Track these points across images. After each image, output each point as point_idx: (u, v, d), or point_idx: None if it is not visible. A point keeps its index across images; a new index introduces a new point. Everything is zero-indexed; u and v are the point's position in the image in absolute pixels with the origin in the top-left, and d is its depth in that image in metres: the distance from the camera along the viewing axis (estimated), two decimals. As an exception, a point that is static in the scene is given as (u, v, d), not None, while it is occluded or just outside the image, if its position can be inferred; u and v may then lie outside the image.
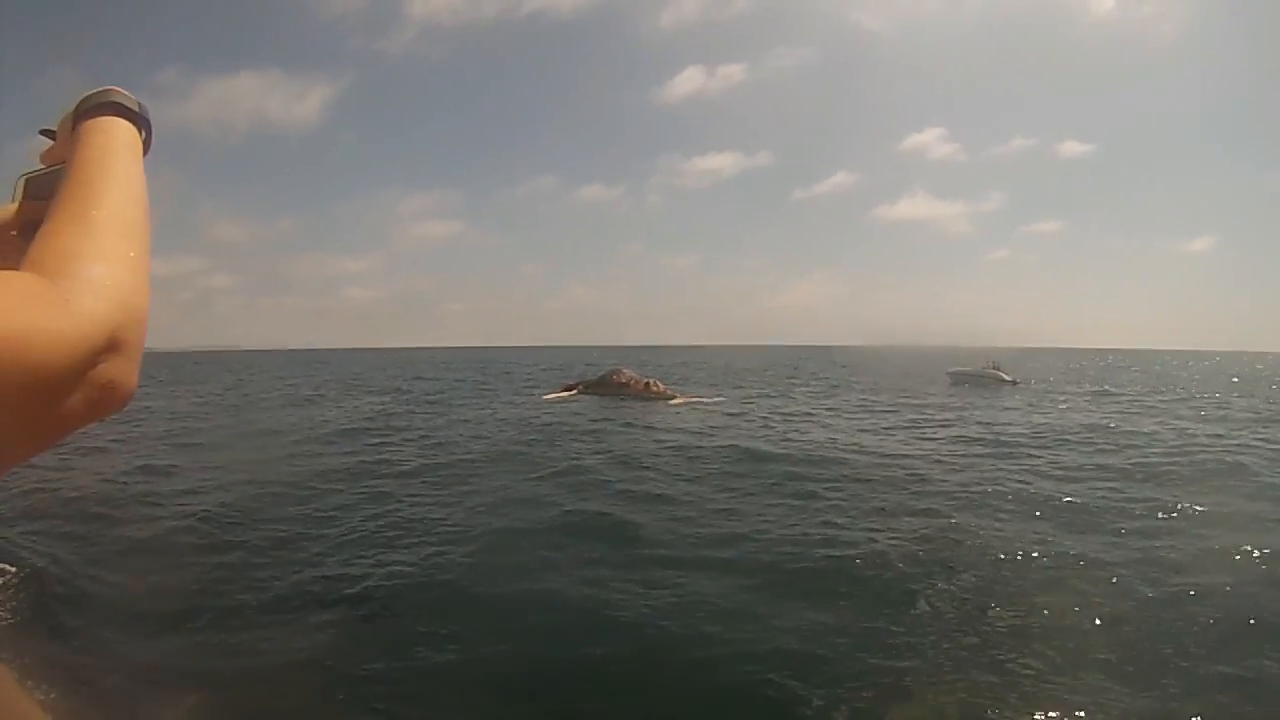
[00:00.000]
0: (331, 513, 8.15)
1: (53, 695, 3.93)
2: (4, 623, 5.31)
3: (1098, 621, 5.03)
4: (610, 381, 27.63)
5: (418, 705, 4.08)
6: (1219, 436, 14.25)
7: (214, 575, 6.10)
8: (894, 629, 4.91)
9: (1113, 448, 12.69)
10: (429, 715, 4.07)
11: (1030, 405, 23.52)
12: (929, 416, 18.66)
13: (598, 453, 12.02)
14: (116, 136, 0.57)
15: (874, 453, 12.04)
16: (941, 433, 15.20)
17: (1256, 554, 6.46)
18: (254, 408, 24.24)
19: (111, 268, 0.44)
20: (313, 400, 27.00)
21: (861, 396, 27.25)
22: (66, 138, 0.60)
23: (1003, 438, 14.08)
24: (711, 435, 14.50)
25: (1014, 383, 34.62)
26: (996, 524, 7.58)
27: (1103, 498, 8.80)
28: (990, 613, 5.24)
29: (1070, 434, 14.64)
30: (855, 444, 13.07)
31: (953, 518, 7.71)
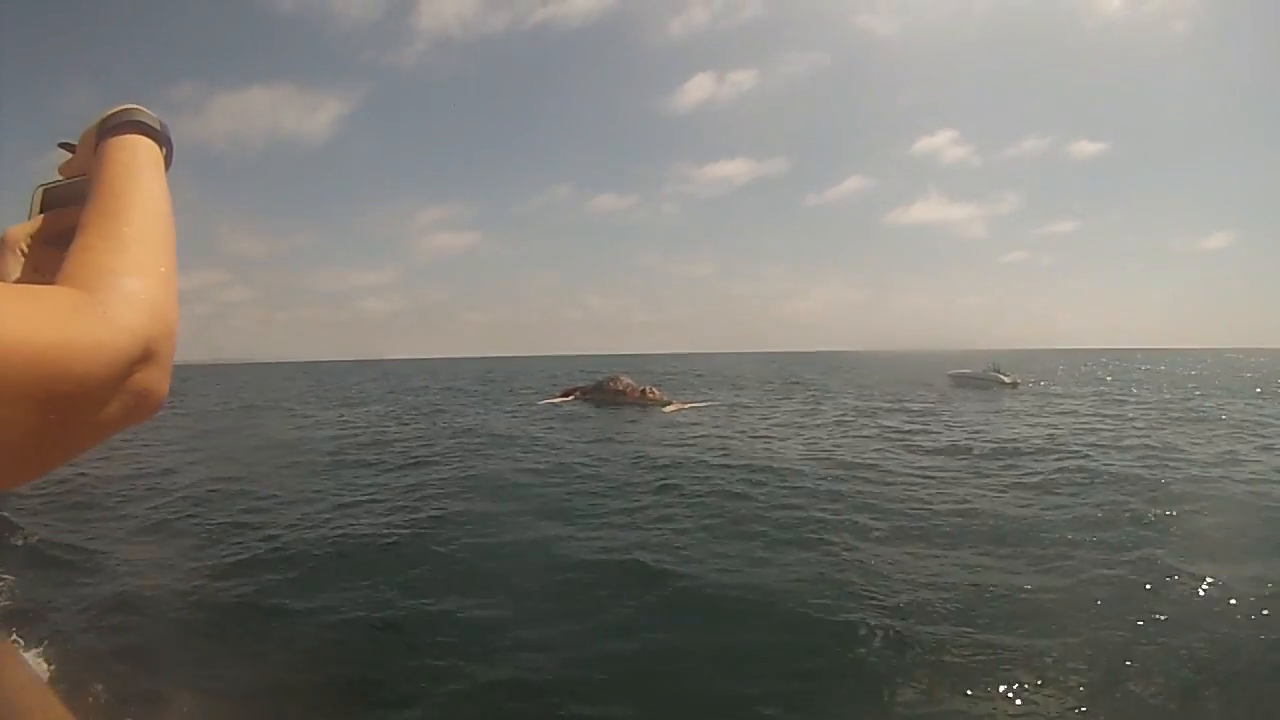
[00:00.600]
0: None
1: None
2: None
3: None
4: (607, 388, 28.02)
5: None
6: (1178, 450, 13.07)
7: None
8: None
9: (1069, 457, 12.27)
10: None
11: (1009, 411, 23.50)
12: (901, 425, 18.11)
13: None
14: (141, 154, 0.58)
15: (827, 462, 12.01)
16: (908, 439, 15.10)
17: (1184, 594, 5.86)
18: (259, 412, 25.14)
19: (145, 282, 0.46)
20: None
21: (854, 402, 27.39)
22: (88, 152, 0.61)
23: (959, 447, 13.58)
24: (671, 443, 15.00)
25: (1014, 385, 34.45)
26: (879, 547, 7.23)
27: (1018, 517, 8.20)
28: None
29: (1028, 447, 13.55)
30: (816, 453, 13.26)
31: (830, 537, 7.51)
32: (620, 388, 27.65)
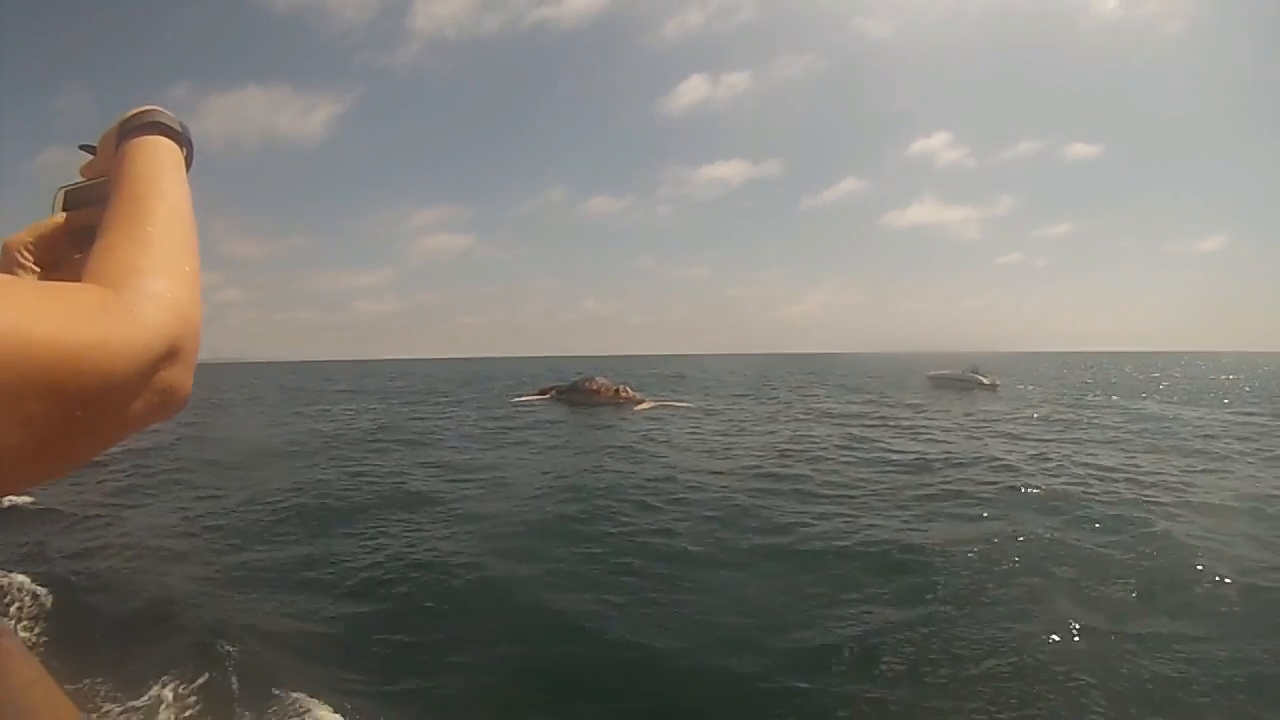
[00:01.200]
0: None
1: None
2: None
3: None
4: (582, 387, 28.17)
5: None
6: (1109, 470, 11.13)
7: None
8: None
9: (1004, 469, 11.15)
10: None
11: (975, 415, 23.48)
12: (855, 431, 16.85)
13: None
14: (163, 155, 0.59)
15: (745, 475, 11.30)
16: (852, 447, 14.16)
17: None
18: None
19: (170, 282, 0.47)
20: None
21: (821, 404, 27.36)
22: (109, 153, 0.62)
23: (891, 460, 12.28)
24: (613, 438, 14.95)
25: (993, 386, 34.47)
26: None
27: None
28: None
29: (968, 460, 12.09)
30: (750, 454, 13.16)
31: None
32: (594, 387, 27.77)
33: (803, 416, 21.11)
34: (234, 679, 4.31)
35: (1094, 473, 10.76)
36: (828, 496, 9.24)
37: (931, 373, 38.43)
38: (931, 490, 9.51)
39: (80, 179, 0.67)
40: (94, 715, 3.96)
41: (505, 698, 4.33)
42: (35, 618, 5.50)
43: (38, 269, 0.60)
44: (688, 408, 24.53)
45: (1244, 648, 4.72)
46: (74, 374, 0.37)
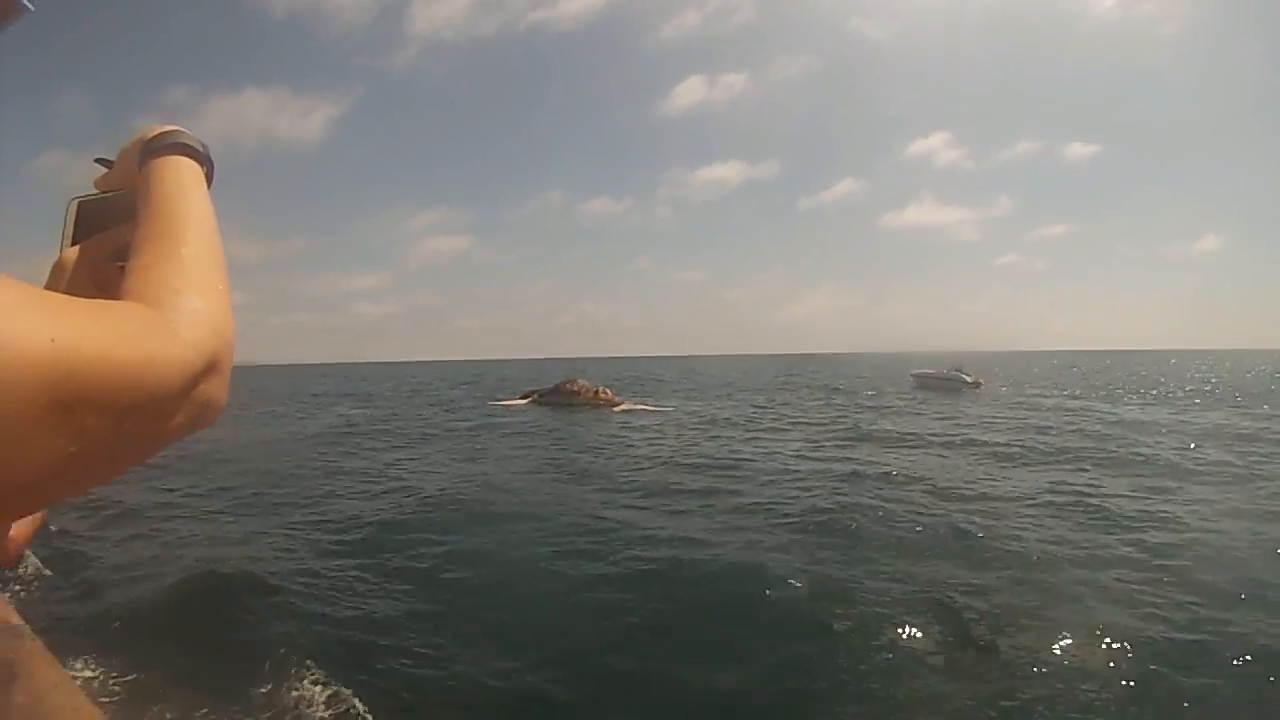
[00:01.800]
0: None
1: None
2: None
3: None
4: (563, 390, 28.57)
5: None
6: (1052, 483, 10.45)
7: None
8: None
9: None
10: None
11: (941, 415, 23.61)
12: (809, 436, 16.74)
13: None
14: (187, 176, 0.61)
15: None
16: (805, 452, 14.20)
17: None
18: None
19: (206, 300, 0.49)
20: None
21: (804, 403, 27.62)
22: (127, 169, 0.64)
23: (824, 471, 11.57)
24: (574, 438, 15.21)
25: (976, 385, 34.68)
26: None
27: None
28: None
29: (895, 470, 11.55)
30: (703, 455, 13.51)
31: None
32: (575, 389, 28.19)
33: (757, 426, 20.79)
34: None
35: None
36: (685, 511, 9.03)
37: (915, 371, 38.61)
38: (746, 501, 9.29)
39: (94, 191, 0.68)
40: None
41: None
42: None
43: (79, 281, 0.63)
44: (664, 411, 24.77)
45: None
46: (124, 389, 0.39)
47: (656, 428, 18.72)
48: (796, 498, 9.37)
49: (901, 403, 26.32)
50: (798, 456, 13.07)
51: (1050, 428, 17.50)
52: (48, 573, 6.70)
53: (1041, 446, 14.15)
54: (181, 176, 0.61)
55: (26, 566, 6.53)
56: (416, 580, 6.54)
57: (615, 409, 25.36)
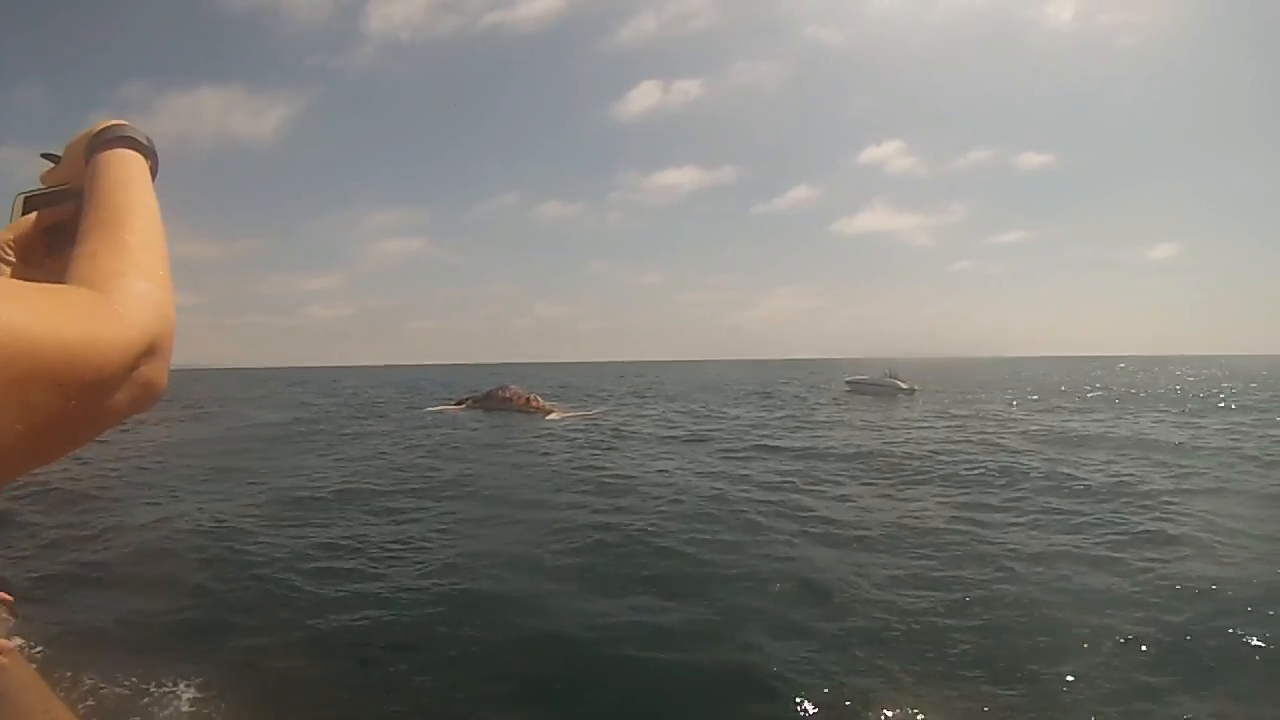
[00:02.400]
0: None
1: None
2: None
3: None
4: (495, 396, 28.67)
5: None
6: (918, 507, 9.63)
7: None
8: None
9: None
10: None
11: (843, 423, 24.06)
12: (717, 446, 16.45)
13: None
14: (133, 168, 0.63)
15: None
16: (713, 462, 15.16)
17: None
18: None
19: (149, 285, 0.51)
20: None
21: (705, 410, 27.97)
22: (74, 163, 0.66)
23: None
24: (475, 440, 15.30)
25: (910, 390, 35.37)
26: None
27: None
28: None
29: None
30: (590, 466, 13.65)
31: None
32: (507, 395, 28.34)
33: (673, 439, 21.01)
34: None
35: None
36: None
37: (849, 378, 39.24)
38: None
39: (41, 186, 0.69)
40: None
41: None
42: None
43: (14, 265, 0.64)
44: (591, 418, 24.92)
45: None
46: (70, 367, 0.40)
47: (567, 435, 18.82)
48: (614, 524, 8.49)
49: (820, 414, 26.41)
50: (681, 470, 12.76)
51: (958, 441, 17.08)
52: None
53: (922, 462, 13.40)
54: (127, 169, 0.62)
55: None
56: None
57: (548, 416, 25.48)
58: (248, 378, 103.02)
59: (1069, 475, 11.50)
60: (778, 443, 16.62)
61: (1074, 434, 17.85)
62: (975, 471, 12.21)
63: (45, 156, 0.70)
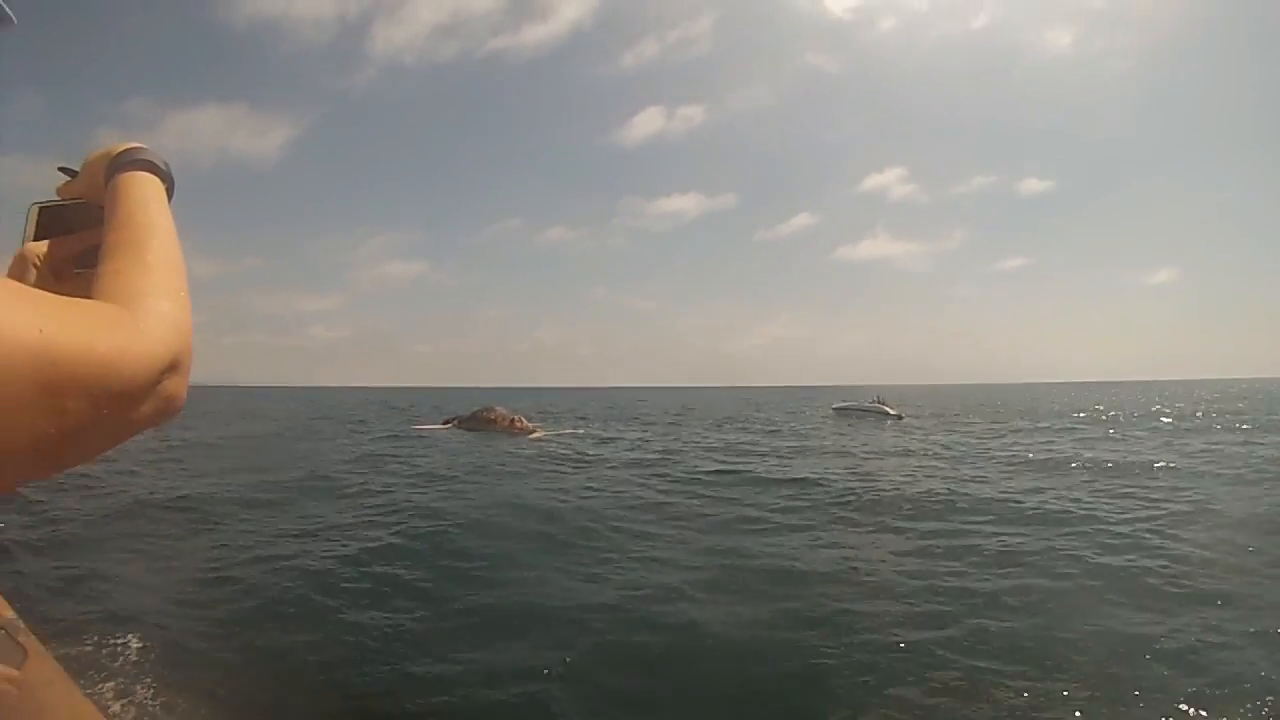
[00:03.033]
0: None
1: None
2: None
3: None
4: (480, 416, 28.91)
5: None
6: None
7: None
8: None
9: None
10: None
11: (814, 450, 24.05)
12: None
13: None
14: (152, 190, 0.66)
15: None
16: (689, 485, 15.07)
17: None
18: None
19: (171, 303, 0.54)
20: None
21: (703, 434, 27.99)
22: (92, 180, 0.69)
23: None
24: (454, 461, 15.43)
25: (898, 416, 35.40)
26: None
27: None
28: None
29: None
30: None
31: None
32: (492, 416, 28.63)
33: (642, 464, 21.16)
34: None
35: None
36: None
37: (836, 405, 39.26)
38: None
39: (56, 198, 0.73)
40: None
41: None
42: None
43: (40, 276, 0.69)
44: (574, 434, 25.21)
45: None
46: (102, 378, 0.43)
47: (537, 456, 18.94)
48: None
49: (787, 441, 25.72)
50: (636, 496, 12.38)
51: (916, 464, 17.06)
52: None
53: (883, 492, 12.39)
54: (147, 191, 0.66)
55: None
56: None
57: (530, 436, 25.70)
58: (243, 394, 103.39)
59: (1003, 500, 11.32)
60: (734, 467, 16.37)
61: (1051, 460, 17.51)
62: (915, 492, 12.23)
63: (62, 170, 0.74)
